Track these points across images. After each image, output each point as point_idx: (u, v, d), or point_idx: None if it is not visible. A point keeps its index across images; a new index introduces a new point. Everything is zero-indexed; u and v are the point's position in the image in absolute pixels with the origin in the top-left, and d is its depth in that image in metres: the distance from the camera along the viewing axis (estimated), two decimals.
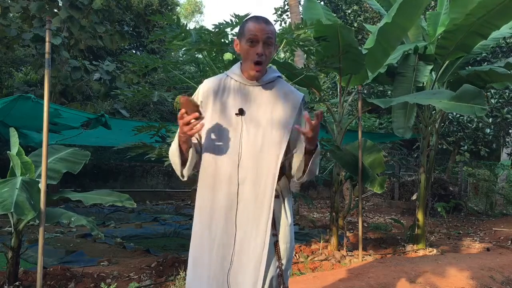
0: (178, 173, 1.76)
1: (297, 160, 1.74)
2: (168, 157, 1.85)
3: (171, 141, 1.77)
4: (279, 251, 1.70)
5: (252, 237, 1.66)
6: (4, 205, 3.01)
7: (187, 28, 4.12)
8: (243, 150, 1.68)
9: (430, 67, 6.20)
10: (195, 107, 1.57)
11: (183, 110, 1.57)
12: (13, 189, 3.20)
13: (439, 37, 5.97)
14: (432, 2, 10.97)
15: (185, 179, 1.78)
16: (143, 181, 14.14)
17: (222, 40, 4.13)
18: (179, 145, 1.70)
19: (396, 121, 5.98)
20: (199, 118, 1.57)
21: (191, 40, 4.00)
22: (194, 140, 1.73)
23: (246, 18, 1.76)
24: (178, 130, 1.65)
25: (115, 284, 3.79)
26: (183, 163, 1.73)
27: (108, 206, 5.86)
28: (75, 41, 10.55)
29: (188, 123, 1.57)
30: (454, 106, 4.94)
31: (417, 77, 6.20)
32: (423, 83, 6.22)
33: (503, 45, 10.46)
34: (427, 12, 7.16)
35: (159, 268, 4.54)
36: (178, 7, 22.43)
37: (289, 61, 8.28)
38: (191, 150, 1.70)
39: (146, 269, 4.53)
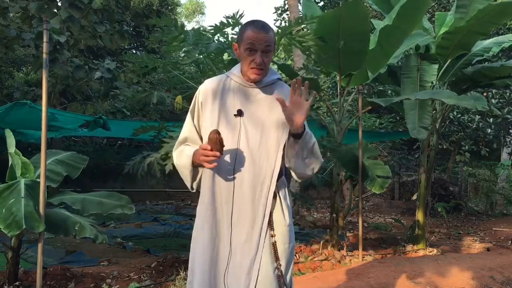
0: (189, 185, 1.80)
1: (288, 150, 1.70)
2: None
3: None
4: (277, 252, 1.69)
5: (248, 238, 1.66)
6: (16, 221, 3.02)
7: (185, 29, 4.15)
8: (240, 151, 1.68)
9: (436, 66, 6.17)
10: (221, 147, 1.59)
11: (209, 146, 1.59)
12: (19, 198, 3.18)
13: (441, 36, 5.97)
14: (433, 3, 10.95)
15: (194, 191, 1.82)
16: (143, 181, 14.10)
17: (222, 40, 4.14)
18: (193, 163, 1.72)
19: (410, 123, 5.93)
20: (219, 157, 1.61)
21: (188, 42, 4.01)
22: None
23: (245, 23, 1.74)
24: (197, 152, 1.66)
25: (116, 285, 3.79)
26: (194, 178, 1.77)
27: None
28: (75, 41, 10.54)
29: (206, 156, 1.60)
30: (456, 101, 4.95)
31: (422, 77, 6.14)
32: (432, 83, 6.18)
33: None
34: (436, 13, 7.15)
35: (159, 268, 4.54)
36: (179, 7, 22.39)
37: (290, 60, 8.27)
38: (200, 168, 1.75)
39: (146, 269, 4.53)
